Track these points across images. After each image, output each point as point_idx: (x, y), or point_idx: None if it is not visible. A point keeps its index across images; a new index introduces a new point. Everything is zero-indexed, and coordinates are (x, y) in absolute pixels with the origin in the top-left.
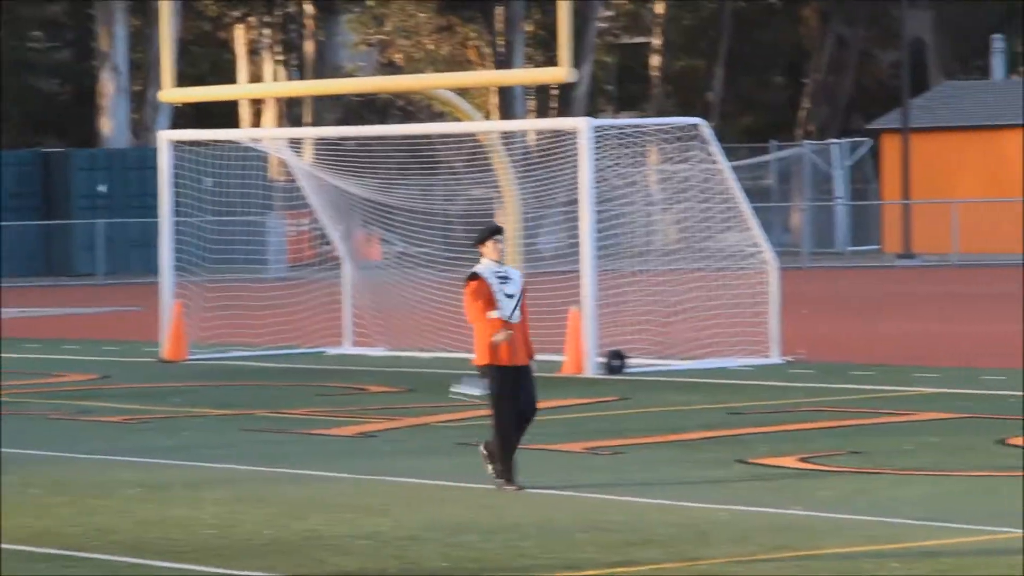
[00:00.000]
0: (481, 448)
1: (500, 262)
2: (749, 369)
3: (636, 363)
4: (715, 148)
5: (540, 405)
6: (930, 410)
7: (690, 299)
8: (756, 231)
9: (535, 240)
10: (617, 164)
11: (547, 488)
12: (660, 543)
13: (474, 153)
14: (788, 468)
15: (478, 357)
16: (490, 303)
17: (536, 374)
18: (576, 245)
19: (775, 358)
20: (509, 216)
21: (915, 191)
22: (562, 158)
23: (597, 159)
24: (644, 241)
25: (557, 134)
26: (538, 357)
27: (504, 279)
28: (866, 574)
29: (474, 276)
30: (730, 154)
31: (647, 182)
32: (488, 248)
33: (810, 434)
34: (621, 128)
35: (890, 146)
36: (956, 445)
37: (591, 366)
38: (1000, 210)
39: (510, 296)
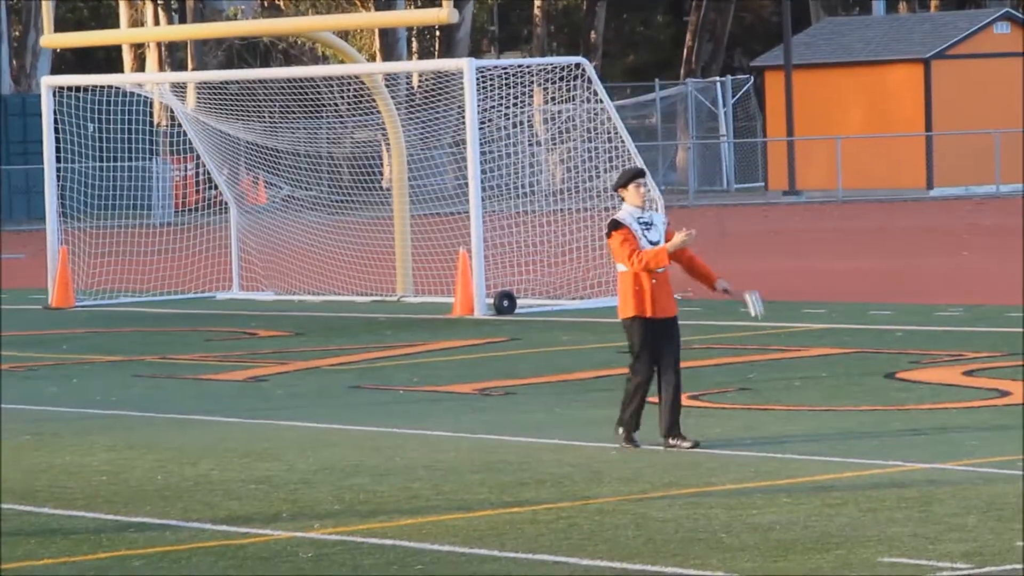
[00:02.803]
0: (619, 433)
1: (643, 207)
2: None
3: (526, 303)
4: (599, 87)
5: (431, 347)
6: (818, 346)
7: (577, 239)
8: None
9: (424, 183)
10: (501, 105)
11: (438, 430)
12: (552, 483)
13: (358, 96)
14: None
15: (624, 309)
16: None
17: (439, 316)
18: (464, 186)
19: None
20: (395, 158)
21: (799, 128)
22: (446, 100)
23: (481, 100)
24: (530, 182)
25: (440, 76)
26: (427, 299)
27: (647, 225)
28: (756, 509)
29: (616, 225)
30: (614, 93)
31: (532, 123)
32: (630, 192)
33: (699, 371)
34: (504, 69)
35: (773, 83)
36: (845, 380)
37: (481, 307)
38: (883, 145)
39: (654, 243)
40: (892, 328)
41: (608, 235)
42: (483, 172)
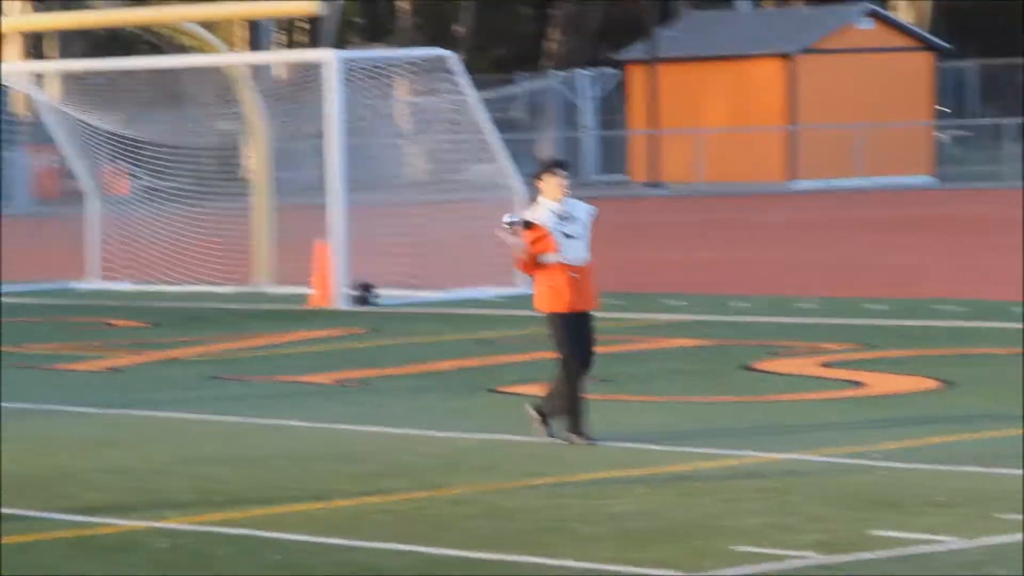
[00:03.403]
0: (528, 409)
1: (561, 199)
2: (500, 299)
3: (386, 295)
4: (464, 80)
5: (290, 337)
6: (678, 337)
7: (439, 231)
8: (505, 162)
9: (286, 174)
10: (366, 96)
11: (295, 420)
12: (409, 473)
13: (222, 87)
14: (536, 397)
15: (538, 302)
16: (543, 249)
17: (298, 307)
18: (326, 178)
19: (525, 288)
20: (258, 149)
21: (662, 121)
22: (311, 91)
23: (345, 92)
24: (394, 173)
25: (305, 67)
26: (288, 290)
27: (566, 219)
28: (612, 499)
29: (524, 224)
30: (479, 86)
31: (396, 114)
32: (547, 184)
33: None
34: (370, 60)
35: (637, 76)
36: (704, 371)
37: (341, 298)
38: (746, 139)
39: (571, 237)
40: (751, 320)
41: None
42: (346, 164)
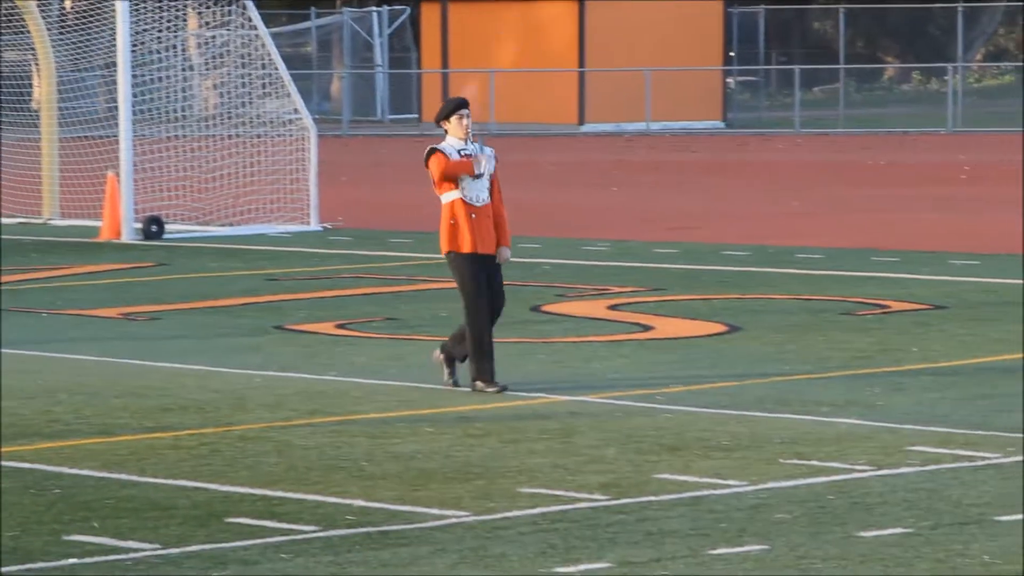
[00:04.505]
0: (436, 353)
1: (466, 140)
2: (288, 236)
3: (174, 229)
4: (254, 14)
5: (77, 270)
6: None
7: (228, 165)
8: (295, 98)
9: (74, 105)
10: (155, 28)
11: (81, 354)
12: (196, 409)
13: (8, 15)
14: (324, 335)
15: (442, 243)
16: (453, 181)
17: (86, 240)
18: (114, 110)
19: (314, 225)
20: (44, 80)
21: (453, 60)
22: (99, 21)
23: (133, 23)
24: (182, 106)
25: None
26: (75, 222)
27: (469, 158)
28: (398, 438)
29: (433, 150)
30: (270, 20)
31: (185, 47)
32: (452, 125)
33: (347, 300)
34: None
35: (429, 15)
36: None
37: (129, 231)
38: (536, 80)
39: (475, 178)
40: (539, 261)
41: (426, 163)
42: (134, 96)
